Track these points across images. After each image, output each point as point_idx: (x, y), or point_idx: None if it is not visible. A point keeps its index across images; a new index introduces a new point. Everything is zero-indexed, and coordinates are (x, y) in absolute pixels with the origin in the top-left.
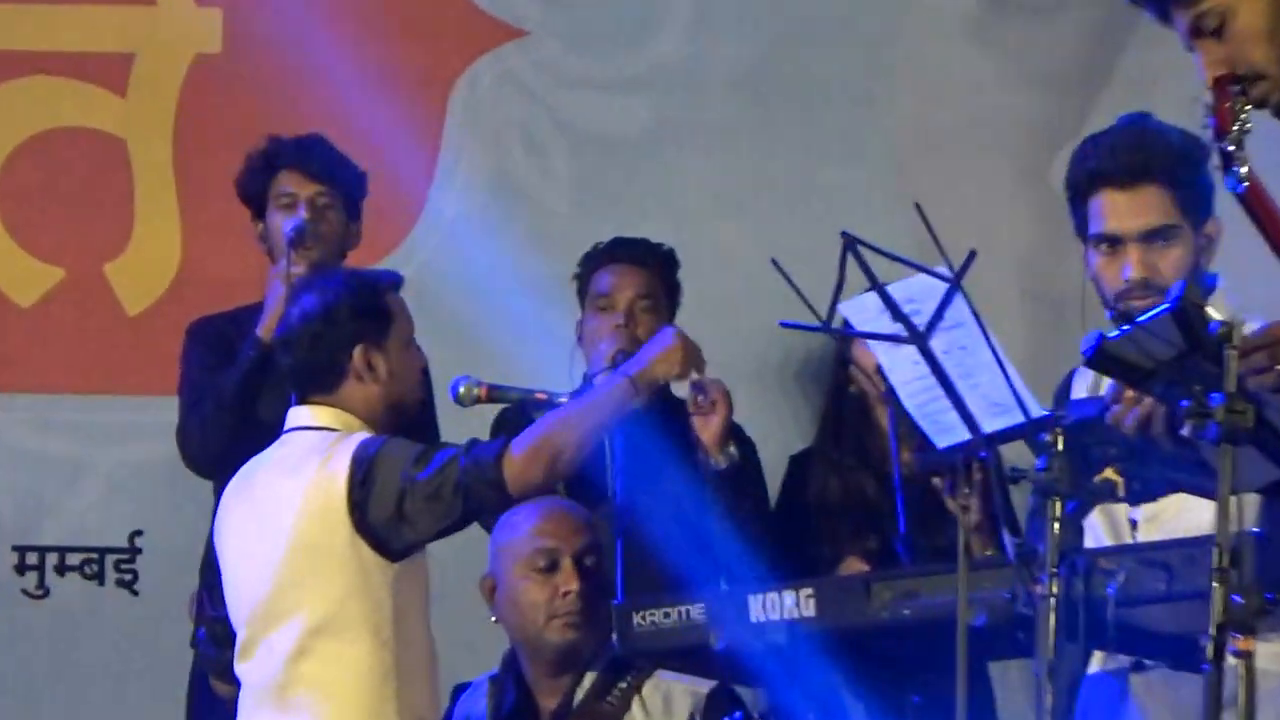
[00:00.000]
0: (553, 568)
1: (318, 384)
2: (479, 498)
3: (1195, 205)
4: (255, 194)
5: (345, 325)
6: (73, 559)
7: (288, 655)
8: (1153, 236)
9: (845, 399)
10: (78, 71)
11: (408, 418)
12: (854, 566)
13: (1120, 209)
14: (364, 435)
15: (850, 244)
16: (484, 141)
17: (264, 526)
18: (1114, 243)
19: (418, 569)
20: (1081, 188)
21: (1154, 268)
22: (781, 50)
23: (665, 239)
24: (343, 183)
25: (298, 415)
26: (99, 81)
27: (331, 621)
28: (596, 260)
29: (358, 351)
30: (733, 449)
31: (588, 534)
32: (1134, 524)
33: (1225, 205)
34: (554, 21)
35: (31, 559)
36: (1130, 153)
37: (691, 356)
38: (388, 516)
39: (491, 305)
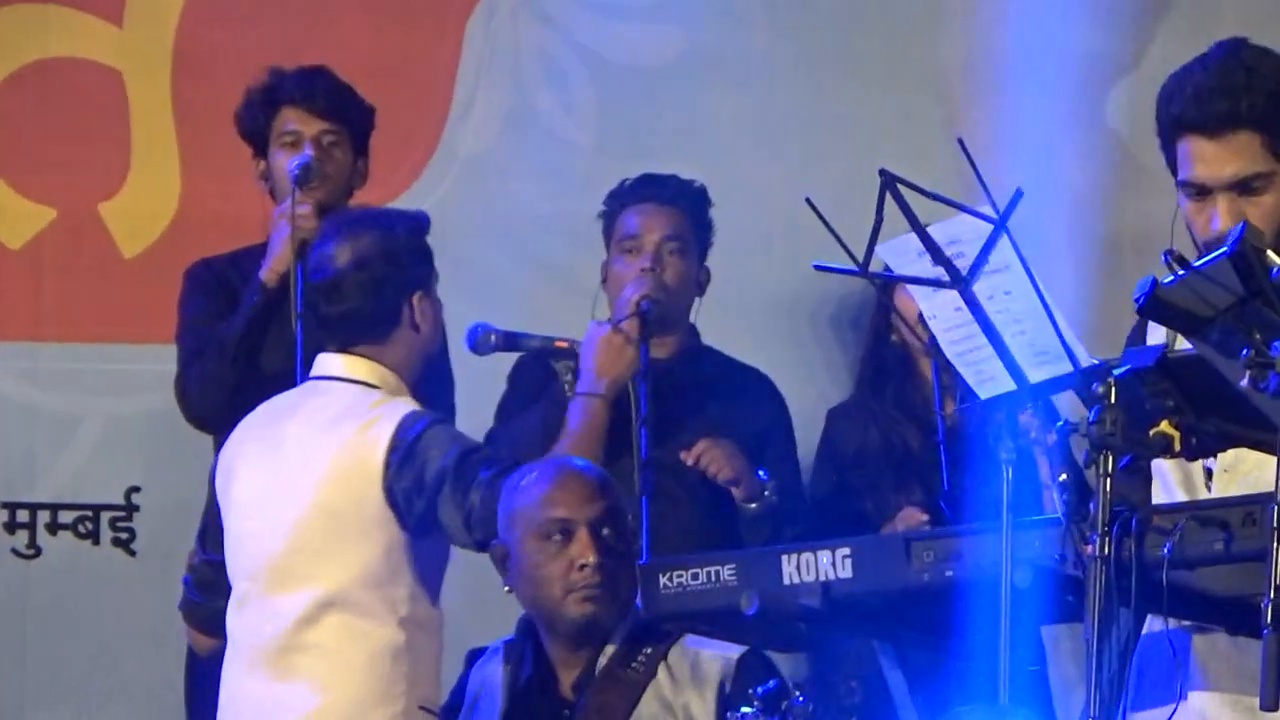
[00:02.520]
0: (567, 538)
1: (370, 332)
2: (486, 531)
3: None
4: (256, 131)
5: (408, 269)
6: (66, 517)
7: (295, 621)
8: (1242, 186)
9: (886, 348)
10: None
11: (424, 372)
12: (913, 518)
13: (1208, 157)
14: (409, 407)
15: (889, 182)
16: (502, 72)
17: (285, 480)
18: (1202, 191)
19: (441, 548)
20: (1169, 130)
21: (1243, 217)
22: None
23: (694, 176)
24: (350, 119)
25: (329, 363)
26: (94, 10)
27: (347, 594)
28: (623, 199)
29: (417, 297)
30: (767, 492)
31: (604, 499)
32: (1209, 473)
33: None
34: None
35: (22, 516)
36: (1219, 98)
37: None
38: (424, 507)
39: (510, 247)
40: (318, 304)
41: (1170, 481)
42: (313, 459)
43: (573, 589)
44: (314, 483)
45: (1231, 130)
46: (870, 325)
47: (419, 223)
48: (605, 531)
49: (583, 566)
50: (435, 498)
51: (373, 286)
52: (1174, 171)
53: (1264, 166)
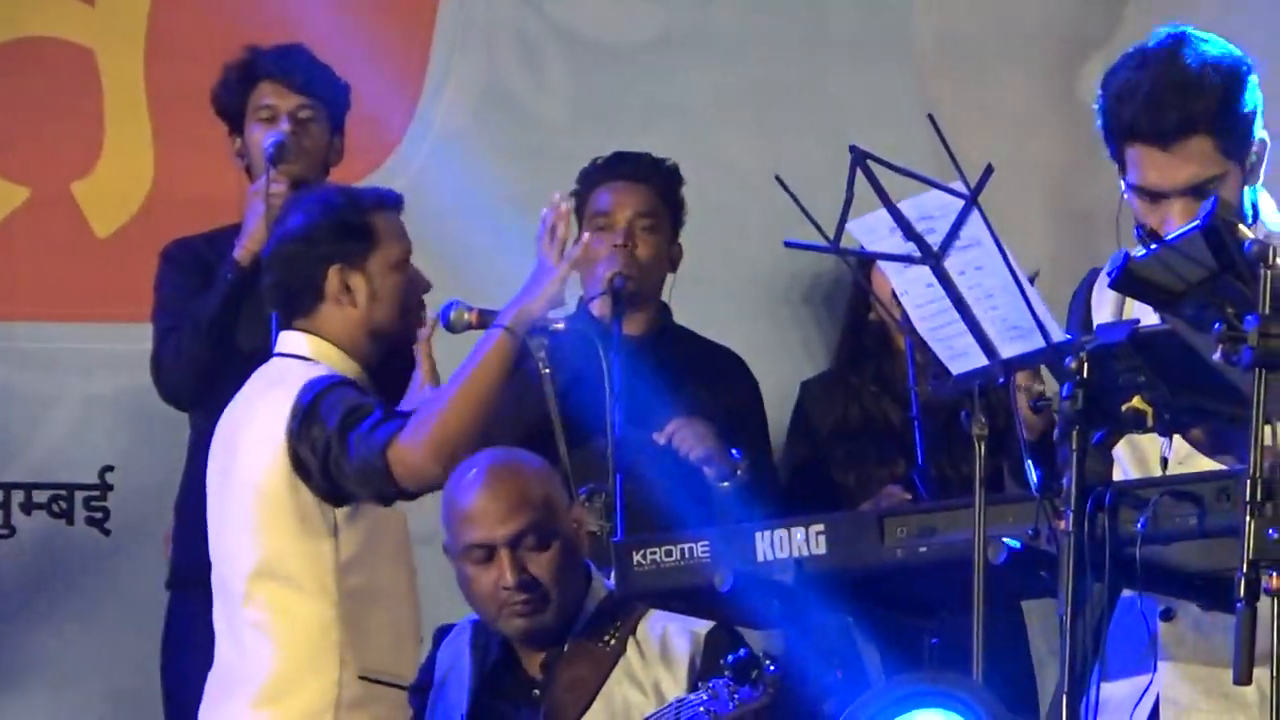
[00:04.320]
0: (489, 558)
1: (295, 306)
2: (373, 487)
3: (1241, 142)
4: (233, 107)
5: (321, 244)
6: (40, 496)
7: (240, 596)
8: (1197, 190)
9: (864, 325)
10: None
11: (397, 344)
12: (894, 496)
13: (1160, 165)
14: (315, 374)
15: (859, 158)
16: (477, 50)
17: (225, 455)
18: (1155, 196)
19: (379, 516)
20: (1116, 132)
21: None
22: None
23: (668, 152)
24: (326, 95)
25: (281, 340)
26: None
27: (275, 568)
28: (595, 177)
29: (333, 272)
30: (740, 471)
31: (526, 514)
32: (1165, 463)
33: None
34: None
35: None
36: (1171, 108)
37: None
38: (319, 470)
39: (483, 225)
40: (261, 279)
41: (1127, 468)
42: (240, 435)
43: (503, 606)
44: (242, 458)
45: (1184, 138)
46: (848, 302)
47: (359, 199)
48: (527, 545)
49: (506, 588)
50: (326, 459)
51: (285, 261)
52: (1119, 164)
53: (1217, 169)
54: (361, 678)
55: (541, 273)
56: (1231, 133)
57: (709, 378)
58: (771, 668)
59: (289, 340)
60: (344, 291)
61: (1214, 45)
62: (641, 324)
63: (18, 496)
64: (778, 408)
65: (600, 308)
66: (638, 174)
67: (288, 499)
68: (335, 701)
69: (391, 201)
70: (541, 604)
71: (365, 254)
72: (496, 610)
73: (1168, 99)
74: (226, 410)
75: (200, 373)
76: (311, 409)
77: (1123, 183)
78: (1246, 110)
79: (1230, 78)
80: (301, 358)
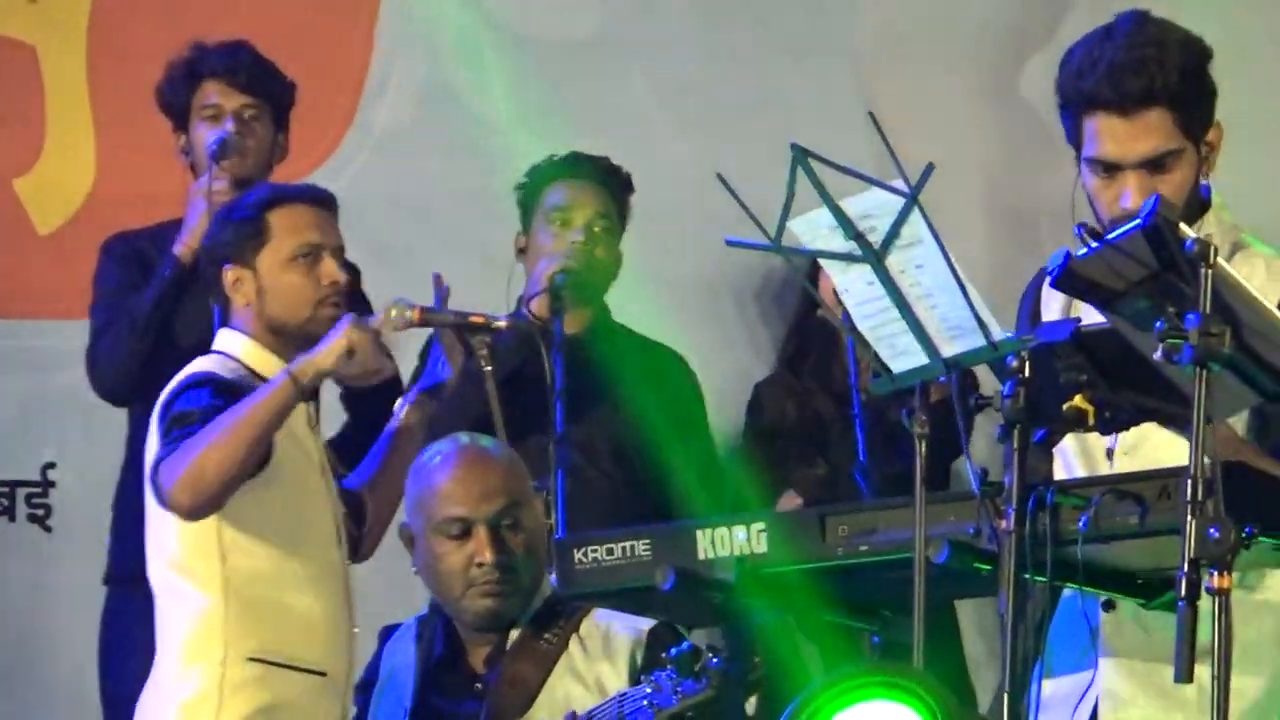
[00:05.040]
0: (466, 535)
1: (218, 303)
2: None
3: (1199, 120)
4: (177, 105)
5: (218, 245)
6: None
7: (156, 590)
8: (1153, 164)
9: (811, 324)
10: None
11: (307, 342)
12: (790, 502)
13: (1120, 135)
14: (195, 369)
15: (800, 156)
16: (418, 48)
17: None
18: (1111, 168)
19: (291, 497)
20: (1075, 104)
21: (1153, 194)
22: None
23: (609, 150)
24: (271, 93)
25: (216, 336)
26: None
27: (169, 554)
28: (550, 173)
29: (227, 271)
30: None
31: (504, 495)
32: (1110, 453)
33: (1228, 107)
34: None
35: None
36: (1133, 76)
37: (361, 348)
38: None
39: (424, 222)
40: None
41: (1071, 460)
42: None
43: (472, 584)
44: (148, 449)
45: (1145, 108)
46: (797, 301)
47: (257, 196)
48: (505, 524)
49: (480, 564)
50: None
51: (203, 264)
52: (1076, 145)
53: (1175, 144)
54: (251, 660)
55: (339, 328)
56: (1191, 109)
57: (646, 375)
58: (714, 660)
59: (219, 337)
60: (235, 289)
61: (1176, 27)
62: (581, 322)
63: None
64: (728, 406)
65: (539, 306)
66: (596, 175)
67: None
68: (219, 684)
69: (291, 196)
70: (510, 586)
71: (255, 251)
72: (463, 589)
73: (1131, 68)
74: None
75: (135, 367)
76: (167, 406)
77: (1080, 170)
78: (1206, 89)
79: (1192, 55)
80: (221, 353)
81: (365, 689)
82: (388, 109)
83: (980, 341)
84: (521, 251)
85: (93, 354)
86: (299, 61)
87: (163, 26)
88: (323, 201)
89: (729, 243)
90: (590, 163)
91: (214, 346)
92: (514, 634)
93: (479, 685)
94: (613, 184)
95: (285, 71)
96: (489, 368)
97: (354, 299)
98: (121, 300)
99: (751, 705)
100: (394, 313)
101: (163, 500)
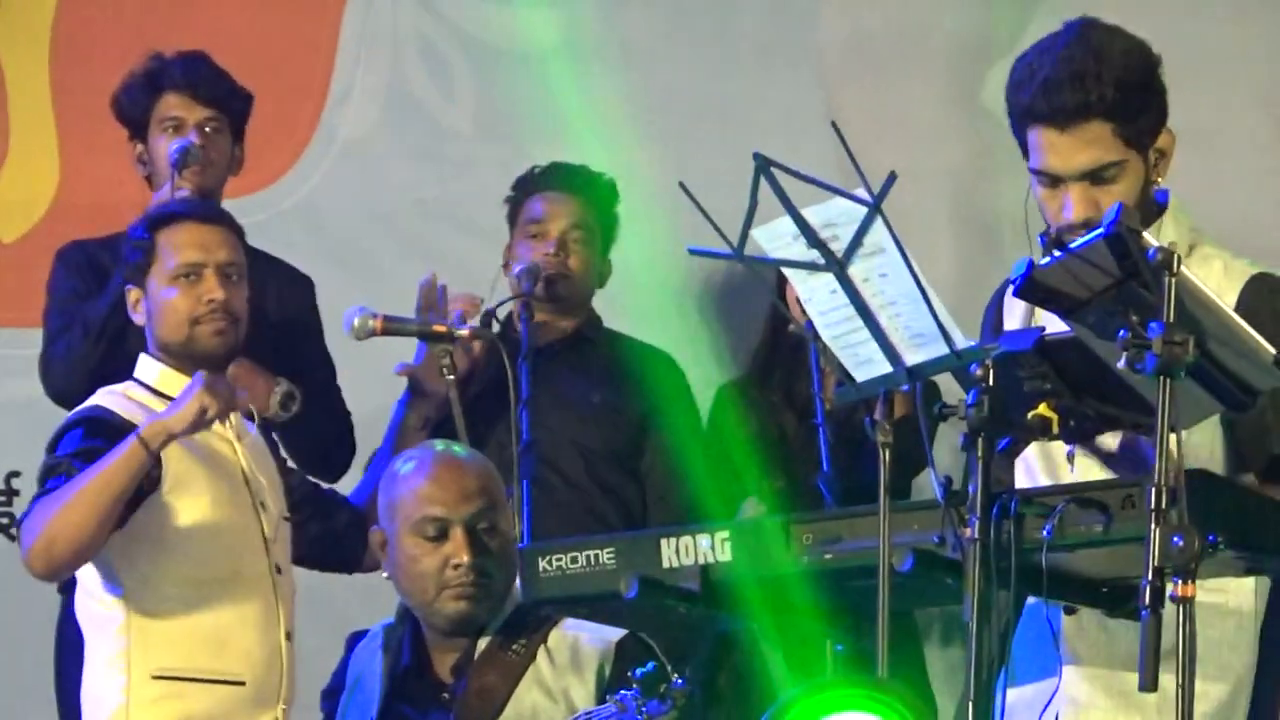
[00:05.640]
0: (442, 536)
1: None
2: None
3: (1143, 130)
4: (136, 115)
5: (123, 268)
6: None
7: (76, 610)
8: (1094, 176)
9: (781, 336)
10: None
11: (199, 357)
12: (754, 510)
13: (1059, 147)
14: (78, 410)
15: (763, 165)
16: (381, 56)
17: None
18: (1055, 180)
19: (162, 523)
20: (1018, 117)
21: (1096, 205)
22: None
23: (572, 159)
24: (231, 106)
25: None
26: None
27: (80, 583)
28: (531, 185)
29: (129, 292)
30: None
31: (481, 497)
32: (1071, 456)
33: (1181, 114)
34: None
35: None
36: (1068, 90)
37: (213, 409)
38: None
39: (388, 231)
40: None
41: (1032, 463)
42: None
43: (447, 586)
44: None
45: (1082, 121)
46: (768, 313)
47: (146, 218)
48: (481, 527)
49: (457, 565)
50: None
51: None
52: (1025, 155)
53: (1115, 155)
54: (157, 677)
55: (190, 389)
56: (1133, 120)
57: (633, 376)
58: (678, 681)
59: (139, 362)
60: (136, 309)
61: (1121, 35)
62: (569, 328)
63: None
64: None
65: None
66: (572, 185)
67: None
68: (126, 703)
69: (178, 215)
70: (484, 589)
71: (145, 271)
72: (437, 591)
73: (1065, 82)
74: None
75: (86, 373)
76: (49, 447)
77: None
78: (1150, 100)
79: (1133, 66)
80: (135, 380)
81: (332, 696)
82: (352, 118)
83: (944, 350)
84: (505, 265)
85: (46, 357)
86: (262, 70)
87: (126, 34)
88: (211, 219)
89: (691, 251)
90: (568, 173)
91: (133, 372)
92: (482, 643)
93: (445, 695)
94: (591, 193)
95: (247, 79)
96: (451, 376)
97: (308, 311)
98: (76, 306)
99: None
100: (357, 322)
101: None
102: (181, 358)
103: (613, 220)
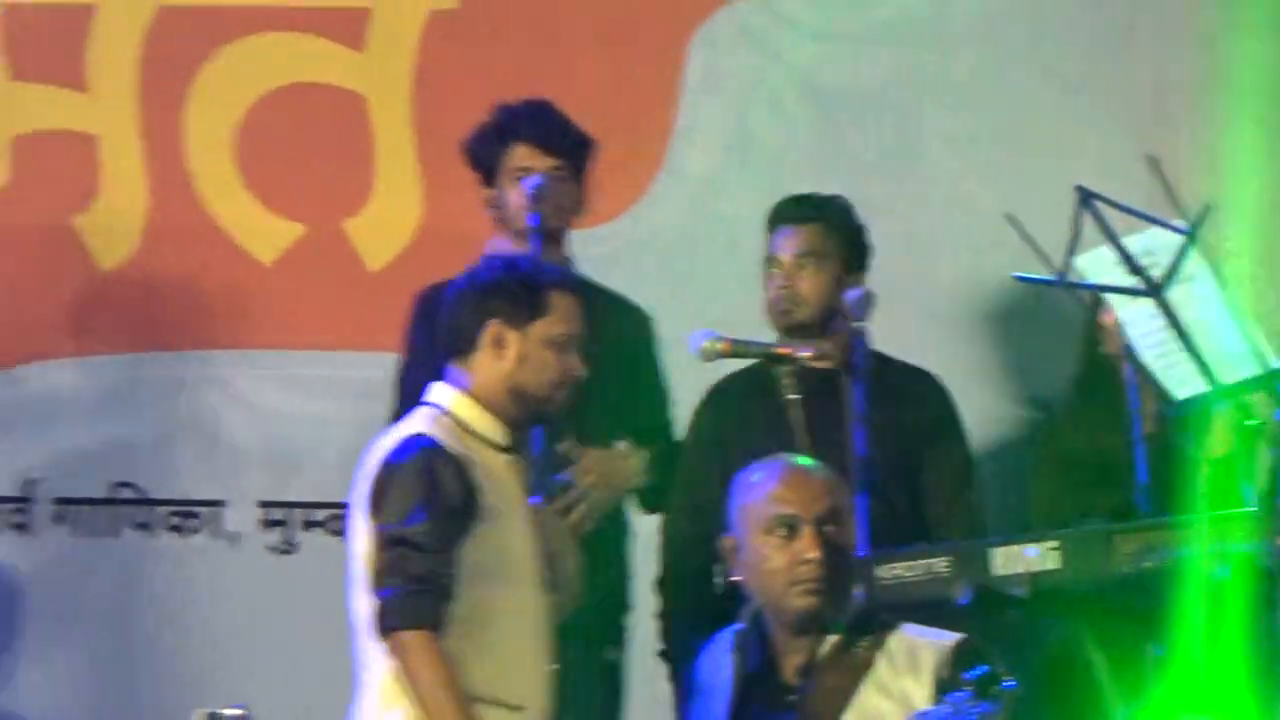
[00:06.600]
0: (793, 534)
1: (454, 348)
2: None
3: None
4: (487, 163)
5: (492, 298)
6: (319, 514)
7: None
8: None
9: (1095, 358)
10: (315, 27)
11: (533, 414)
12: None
13: None
14: (416, 435)
15: (1085, 197)
16: (721, 96)
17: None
18: None
19: (468, 553)
20: None
21: None
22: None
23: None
24: (576, 154)
25: (430, 389)
26: (336, 37)
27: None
28: (772, 220)
29: (493, 324)
30: None
31: (829, 499)
32: None
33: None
34: None
35: (278, 515)
36: None
37: None
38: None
39: (732, 262)
40: None
41: None
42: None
43: (796, 582)
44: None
45: None
46: (1083, 336)
47: (537, 271)
48: (829, 529)
49: (806, 561)
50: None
51: (455, 305)
52: None
53: None
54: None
55: None
56: None
57: (898, 399)
58: (1009, 683)
59: (434, 390)
60: (496, 344)
61: None
62: (833, 357)
63: (299, 514)
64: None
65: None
66: (799, 216)
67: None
68: None
69: (572, 285)
70: (829, 586)
71: (529, 319)
72: (788, 586)
73: None
74: None
75: None
76: (391, 479)
77: None
78: None
79: None
80: (432, 405)
81: (686, 696)
82: (697, 156)
83: (1259, 370)
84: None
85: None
86: (609, 111)
87: (482, 75)
88: (580, 293)
89: (1017, 278)
90: (796, 203)
91: (430, 398)
92: (827, 642)
93: (791, 697)
94: (818, 219)
95: (595, 120)
96: (792, 396)
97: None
98: (421, 353)
99: None
100: (706, 345)
101: (382, 635)
102: (515, 401)
103: (849, 237)
